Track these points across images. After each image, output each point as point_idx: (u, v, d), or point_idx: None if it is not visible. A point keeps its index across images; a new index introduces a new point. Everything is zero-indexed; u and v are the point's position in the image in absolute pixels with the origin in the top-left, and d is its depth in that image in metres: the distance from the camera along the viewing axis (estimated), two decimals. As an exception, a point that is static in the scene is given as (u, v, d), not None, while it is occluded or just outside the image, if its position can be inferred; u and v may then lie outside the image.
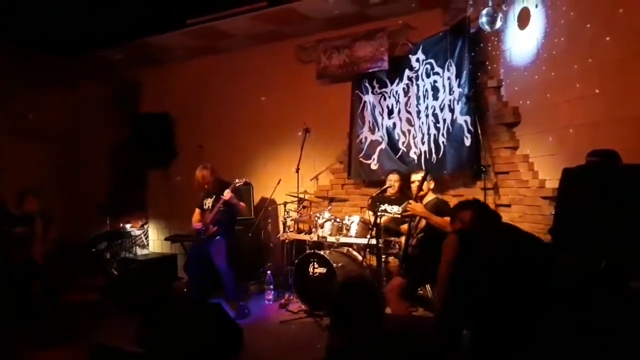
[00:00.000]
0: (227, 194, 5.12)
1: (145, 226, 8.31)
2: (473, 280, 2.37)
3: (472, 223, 2.70)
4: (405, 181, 5.35)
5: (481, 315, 2.32)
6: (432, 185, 4.61)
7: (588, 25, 3.85)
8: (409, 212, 4.45)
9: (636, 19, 3.45)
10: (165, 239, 7.56)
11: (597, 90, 3.76)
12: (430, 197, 4.56)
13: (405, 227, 4.95)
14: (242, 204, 5.39)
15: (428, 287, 4.70)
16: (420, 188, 4.44)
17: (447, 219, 4.04)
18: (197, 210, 5.54)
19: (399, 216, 5.23)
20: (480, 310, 2.32)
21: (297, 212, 6.00)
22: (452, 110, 5.24)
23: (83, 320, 5.21)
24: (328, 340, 2.20)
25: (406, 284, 4.09)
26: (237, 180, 5.21)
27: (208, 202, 5.40)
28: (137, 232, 8.14)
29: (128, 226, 8.05)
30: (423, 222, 4.37)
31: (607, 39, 3.67)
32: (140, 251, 8.03)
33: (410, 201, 4.41)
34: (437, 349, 2.20)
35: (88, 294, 5.83)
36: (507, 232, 2.56)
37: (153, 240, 8.28)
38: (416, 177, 4.66)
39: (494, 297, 2.30)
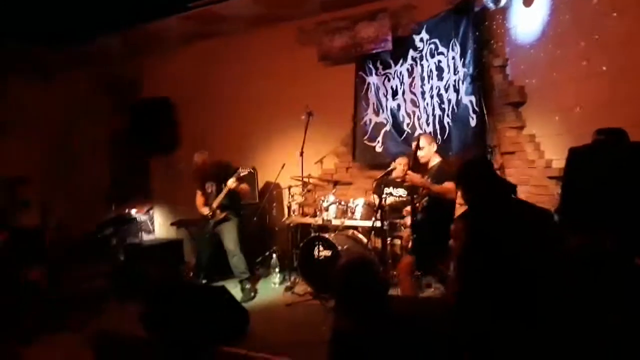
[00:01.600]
0: (232, 183, 5.12)
1: (151, 212, 8.32)
2: (483, 266, 2.33)
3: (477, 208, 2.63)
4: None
5: (493, 299, 2.29)
6: (434, 148, 4.45)
7: (594, 2, 3.78)
8: (407, 182, 4.35)
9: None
10: (171, 224, 7.57)
11: (604, 68, 3.71)
12: (435, 161, 4.43)
13: (408, 209, 4.94)
14: (244, 187, 5.38)
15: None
16: (415, 154, 4.34)
17: (448, 185, 4.02)
18: (199, 193, 5.55)
19: (405, 198, 5.21)
20: (492, 294, 2.30)
21: (302, 196, 5.99)
22: (457, 91, 5.18)
23: (89, 306, 5.25)
24: (333, 322, 2.20)
25: (416, 259, 4.08)
26: (240, 170, 5.20)
27: (210, 186, 5.40)
28: (143, 218, 8.16)
29: (134, 212, 8.06)
30: None
31: (614, 14, 3.61)
32: (146, 236, 8.06)
33: (408, 171, 4.32)
34: (445, 332, 2.20)
35: (94, 280, 5.87)
36: (514, 214, 2.49)
37: (159, 225, 8.31)
38: (413, 144, 4.57)
39: (502, 281, 2.28)
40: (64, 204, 7.73)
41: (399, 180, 5.34)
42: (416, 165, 4.38)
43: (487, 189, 2.52)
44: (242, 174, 5.19)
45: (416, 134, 5.84)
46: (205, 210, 5.38)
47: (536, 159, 4.46)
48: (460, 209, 5.22)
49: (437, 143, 5.43)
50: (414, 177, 4.21)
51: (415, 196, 4.40)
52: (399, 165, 5.31)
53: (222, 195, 5.23)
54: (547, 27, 4.31)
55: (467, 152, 5.14)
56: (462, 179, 2.71)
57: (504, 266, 2.28)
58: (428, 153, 4.38)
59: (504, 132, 4.90)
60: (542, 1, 4.35)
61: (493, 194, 2.51)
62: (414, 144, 4.42)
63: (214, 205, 5.29)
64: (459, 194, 4.03)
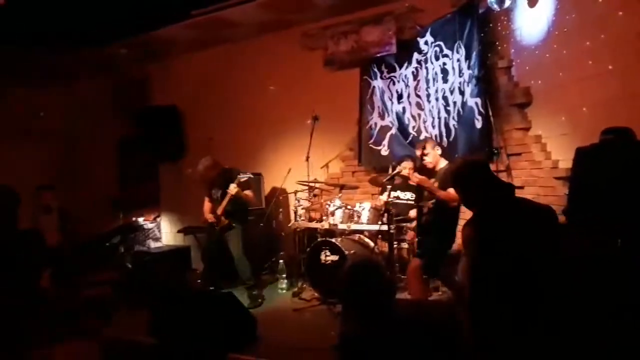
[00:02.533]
0: (232, 189, 5.10)
1: (158, 219, 8.35)
2: (494, 271, 2.30)
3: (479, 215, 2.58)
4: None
5: (506, 302, 2.27)
6: (439, 152, 4.41)
7: (599, 0, 3.75)
8: (415, 183, 4.32)
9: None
10: (178, 232, 7.58)
11: (610, 67, 3.68)
12: (442, 164, 4.39)
13: (414, 212, 4.92)
14: (248, 194, 5.36)
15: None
16: (421, 160, 4.33)
17: (452, 193, 3.99)
18: (207, 199, 5.54)
19: (412, 202, 5.19)
20: (504, 297, 2.27)
21: (308, 201, 5.98)
22: (462, 93, 5.16)
23: (97, 313, 5.26)
24: (341, 326, 2.18)
25: (424, 262, 4.06)
26: (240, 175, 5.16)
27: (216, 193, 5.39)
28: (150, 225, 8.18)
29: (141, 220, 8.09)
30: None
31: (620, 13, 3.58)
32: (153, 244, 8.08)
33: (415, 173, 4.32)
34: (452, 335, 2.18)
35: (102, 288, 5.88)
36: (519, 214, 2.45)
37: (166, 232, 8.32)
38: (418, 152, 4.55)
39: (514, 283, 2.25)
40: (74, 211, 7.77)
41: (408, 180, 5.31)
42: (423, 170, 4.37)
43: (488, 192, 2.47)
44: (242, 180, 5.15)
45: (422, 136, 5.83)
46: (210, 217, 5.37)
47: (543, 159, 4.43)
48: (467, 213, 5.21)
49: (443, 146, 5.43)
50: (422, 179, 4.19)
51: (421, 199, 4.40)
52: (404, 170, 5.30)
53: (224, 202, 5.21)
54: (552, 27, 4.28)
55: (474, 154, 5.12)
56: (461, 183, 2.63)
57: (515, 268, 2.25)
58: (434, 158, 4.37)
59: (510, 133, 4.86)
60: (547, 1, 4.33)
61: (495, 196, 2.46)
62: (418, 151, 4.39)
63: (218, 211, 5.27)
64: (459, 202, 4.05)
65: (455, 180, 2.67)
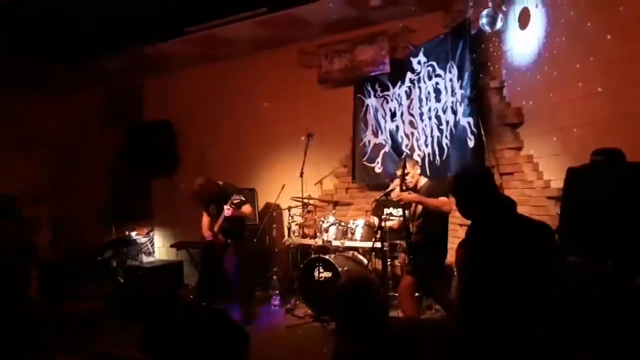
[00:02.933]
0: (227, 210, 5.10)
1: (151, 233, 8.32)
2: (489, 291, 2.28)
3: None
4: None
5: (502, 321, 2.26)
6: (418, 171, 4.47)
7: (589, 24, 3.83)
8: (402, 201, 4.30)
9: (637, 16, 3.43)
10: (171, 246, 7.55)
11: (599, 89, 3.74)
12: (422, 182, 4.44)
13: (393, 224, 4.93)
14: (245, 210, 5.35)
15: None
16: (403, 177, 4.32)
17: (444, 199, 4.04)
18: (205, 214, 5.52)
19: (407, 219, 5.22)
20: (500, 317, 2.26)
21: (302, 217, 5.99)
22: (454, 112, 5.23)
23: (87, 328, 5.22)
24: (334, 344, 2.19)
25: (416, 280, 4.07)
26: (234, 196, 5.17)
27: (213, 210, 5.40)
28: (143, 240, 8.15)
29: (134, 234, 8.06)
30: (419, 208, 4.32)
31: (608, 37, 3.65)
32: (146, 258, 8.04)
33: (399, 193, 4.30)
34: (445, 351, 2.19)
35: (94, 302, 5.84)
36: (520, 233, 2.40)
37: (159, 247, 8.29)
38: (399, 172, 4.57)
39: (511, 302, 2.24)
40: (64, 223, 7.73)
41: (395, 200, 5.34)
42: (405, 189, 4.38)
43: (489, 201, 2.40)
44: (234, 202, 5.16)
45: (415, 155, 5.88)
46: (208, 235, 5.36)
47: (535, 179, 4.48)
48: (459, 230, 5.23)
49: (436, 164, 5.49)
50: (408, 196, 4.21)
51: (407, 217, 4.41)
52: (397, 187, 5.33)
53: (220, 221, 5.21)
54: (543, 50, 4.36)
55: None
56: (463, 189, 2.50)
57: (510, 289, 2.25)
58: (414, 177, 4.41)
59: (502, 152, 4.92)
60: (538, 24, 4.41)
61: (495, 207, 2.40)
62: (399, 171, 4.42)
63: (215, 229, 5.27)
64: (452, 207, 4.06)
65: (457, 186, 2.55)
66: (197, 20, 6.21)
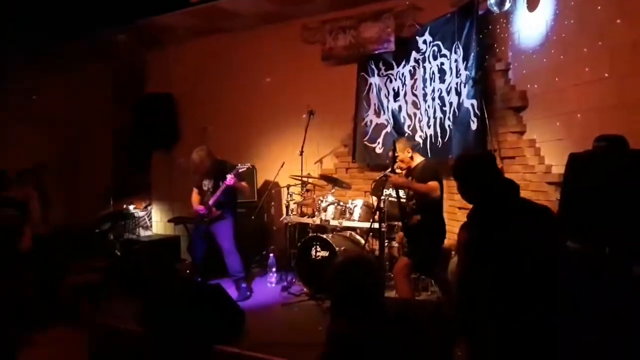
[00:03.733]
0: (230, 179, 5.07)
1: (149, 208, 8.32)
2: (490, 274, 2.27)
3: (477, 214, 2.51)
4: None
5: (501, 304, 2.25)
6: (409, 153, 4.32)
7: (599, 8, 3.76)
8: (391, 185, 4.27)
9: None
10: (169, 221, 7.57)
11: (606, 74, 3.69)
12: (417, 160, 4.34)
13: None
14: (244, 184, 5.35)
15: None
16: (393, 160, 4.28)
17: (431, 184, 4.00)
18: (195, 191, 5.50)
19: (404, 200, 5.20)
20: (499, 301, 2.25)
21: (301, 195, 5.98)
22: (458, 94, 5.17)
23: (85, 301, 5.24)
24: (329, 323, 2.19)
25: (412, 262, 4.06)
26: (239, 165, 5.14)
27: (207, 184, 5.36)
28: (141, 214, 8.17)
29: (132, 208, 8.07)
30: None
31: (618, 21, 3.59)
32: (143, 233, 8.06)
33: (390, 175, 4.26)
34: (440, 332, 2.19)
35: (91, 275, 5.86)
36: (523, 217, 2.37)
37: (156, 221, 8.30)
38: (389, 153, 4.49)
39: (510, 287, 2.23)
40: (65, 196, 7.76)
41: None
42: (397, 171, 4.34)
43: (493, 185, 2.38)
44: (240, 170, 5.14)
45: (417, 136, 5.84)
46: (200, 208, 5.34)
47: (536, 164, 4.45)
48: (458, 213, 5.22)
49: (437, 146, 5.44)
50: (396, 179, 4.18)
51: (400, 197, 4.38)
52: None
53: (218, 193, 5.18)
54: (551, 32, 4.29)
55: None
56: (467, 175, 2.48)
57: (510, 274, 2.24)
58: (405, 157, 4.30)
59: (504, 136, 4.88)
60: (546, 6, 4.33)
61: (498, 191, 2.38)
62: (389, 153, 4.37)
63: (210, 202, 5.25)
64: (439, 193, 4.03)
65: (460, 170, 2.52)
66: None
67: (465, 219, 2.40)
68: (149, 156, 8.32)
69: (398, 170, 4.36)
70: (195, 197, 5.49)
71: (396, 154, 4.27)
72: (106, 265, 6.12)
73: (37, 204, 5.50)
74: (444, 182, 4.28)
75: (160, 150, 8.10)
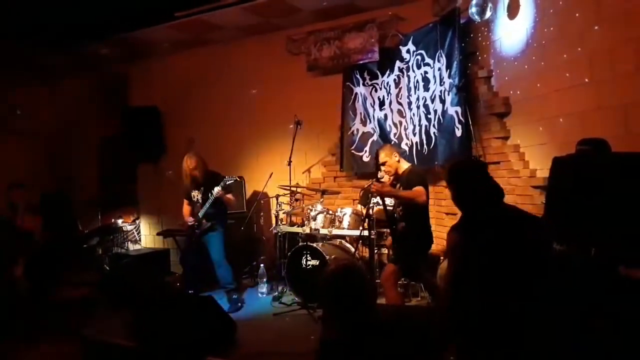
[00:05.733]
0: (217, 191, 5.07)
1: (137, 221, 8.27)
2: (479, 278, 2.31)
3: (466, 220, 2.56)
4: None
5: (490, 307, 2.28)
6: (396, 158, 4.34)
7: (577, 14, 3.85)
8: (375, 195, 4.28)
9: (623, 7, 3.46)
10: (158, 234, 7.53)
11: (586, 79, 3.78)
12: (403, 167, 4.35)
13: None
14: (230, 197, 5.34)
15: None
16: (377, 169, 4.31)
17: (417, 190, 4.03)
18: (186, 202, 5.50)
19: (391, 207, 5.24)
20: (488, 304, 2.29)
21: (290, 205, 5.99)
22: (442, 101, 5.24)
23: (75, 316, 5.20)
24: (321, 331, 2.20)
25: (399, 268, 4.09)
26: (227, 178, 5.15)
27: (196, 195, 5.35)
28: (129, 227, 8.11)
29: (120, 221, 8.01)
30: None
31: (596, 27, 3.68)
32: (132, 246, 8.00)
33: (374, 184, 4.29)
34: (431, 340, 2.21)
35: (80, 290, 5.81)
36: (509, 222, 2.44)
37: (145, 235, 8.25)
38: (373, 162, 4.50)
39: (498, 291, 2.27)
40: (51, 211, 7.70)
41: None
42: (378, 178, 4.37)
43: (483, 193, 2.45)
44: (228, 182, 5.15)
45: (403, 144, 5.90)
46: (190, 220, 5.33)
47: (521, 168, 4.52)
48: (445, 219, 5.27)
49: (423, 153, 5.50)
50: (380, 188, 4.20)
51: (386, 205, 4.42)
52: (386, 175, 5.34)
53: (207, 205, 5.19)
54: (531, 39, 4.38)
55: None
56: (457, 180, 2.55)
57: (500, 276, 2.28)
58: (391, 164, 4.32)
59: (489, 142, 4.95)
60: (526, 14, 4.43)
61: (488, 199, 2.45)
62: (373, 162, 4.40)
63: (200, 214, 5.25)
64: (424, 198, 4.08)
65: (453, 176, 2.58)
66: (185, 4, 6.12)
67: (455, 223, 2.45)
68: (135, 169, 8.28)
69: (385, 177, 4.39)
70: (186, 208, 5.49)
71: (380, 162, 4.30)
72: (95, 280, 6.06)
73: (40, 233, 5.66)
74: (430, 187, 4.33)
75: (146, 163, 8.07)
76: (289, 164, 5.97)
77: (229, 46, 7.34)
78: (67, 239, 7.02)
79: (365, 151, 6.32)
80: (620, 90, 3.50)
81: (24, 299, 5.28)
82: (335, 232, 5.26)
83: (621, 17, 3.49)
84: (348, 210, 5.33)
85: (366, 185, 5.23)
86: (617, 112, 3.52)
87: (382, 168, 4.35)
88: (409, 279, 4.71)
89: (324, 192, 5.80)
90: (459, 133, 4.97)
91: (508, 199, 4.56)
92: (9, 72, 7.27)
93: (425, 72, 5.56)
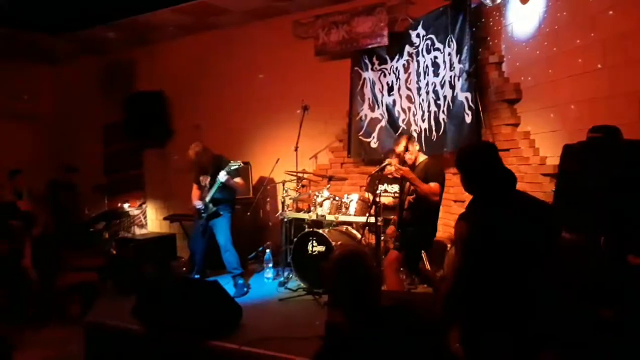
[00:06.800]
0: (223, 176, 5.08)
1: (144, 206, 8.29)
2: (487, 267, 2.28)
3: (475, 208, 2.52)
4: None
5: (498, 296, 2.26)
6: (417, 147, 4.39)
7: (591, -1, 3.77)
8: (399, 175, 4.24)
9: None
10: (164, 219, 7.55)
11: (599, 65, 3.71)
12: (421, 159, 4.36)
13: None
14: (239, 181, 5.35)
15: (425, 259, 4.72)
16: (403, 154, 4.29)
17: (433, 187, 4.01)
18: (195, 186, 5.52)
19: (397, 195, 5.21)
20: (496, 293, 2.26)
21: (296, 191, 5.97)
22: (452, 87, 5.17)
23: (82, 298, 5.24)
24: (327, 316, 2.19)
25: (403, 256, 4.07)
26: (231, 163, 5.14)
27: (205, 180, 5.37)
28: (136, 212, 8.13)
29: (126, 206, 8.04)
30: None
31: (610, 12, 3.60)
32: (138, 231, 8.03)
33: (392, 162, 4.27)
34: (434, 325, 2.19)
35: (86, 274, 5.85)
36: (520, 209, 2.39)
37: (151, 219, 8.27)
38: (398, 148, 4.49)
39: (507, 278, 2.25)
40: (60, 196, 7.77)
41: (391, 176, 5.31)
42: (404, 165, 4.35)
43: (495, 178, 2.39)
44: (232, 167, 5.15)
45: (412, 129, 5.84)
46: (198, 204, 5.34)
47: (531, 155, 4.46)
48: (453, 206, 5.23)
49: (432, 139, 5.45)
50: (407, 171, 4.15)
51: (402, 192, 4.39)
52: (394, 161, 5.29)
53: (214, 189, 5.20)
54: (543, 24, 4.30)
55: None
56: (470, 163, 2.48)
57: (509, 265, 2.25)
58: (413, 152, 4.32)
59: (499, 128, 4.89)
60: (539, -2, 4.35)
61: (503, 183, 2.39)
62: (397, 147, 4.37)
63: (207, 199, 5.26)
64: (438, 198, 4.06)
65: (465, 159, 2.51)
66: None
67: (463, 211, 2.41)
68: (140, 153, 8.28)
69: (394, 162, 4.35)
70: (194, 193, 5.51)
71: (403, 149, 4.28)
72: (101, 264, 6.09)
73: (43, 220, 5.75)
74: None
75: (152, 148, 8.07)
76: (296, 150, 5.94)
77: (235, 30, 7.27)
78: (73, 223, 7.06)
79: (373, 137, 6.27)
80: (634, 76, 3.43)
81: (31, 285, 5.33)
82: (342, 218, 5.24)
83: (636, 2, 3.41)
84: (355, 197, 5.30)
85: (375, 172, 5.18)
86: (630, 98, 3.45)
87: (405, 154, 4.31)
88: (409, 269, 4.70)
89: (330, 179, 5.77)
90: (468, 119, 4.91)
91: (517, 186, 4.54)
92: (14, 57, 7.26)
93: (435, 57, 5.48)
